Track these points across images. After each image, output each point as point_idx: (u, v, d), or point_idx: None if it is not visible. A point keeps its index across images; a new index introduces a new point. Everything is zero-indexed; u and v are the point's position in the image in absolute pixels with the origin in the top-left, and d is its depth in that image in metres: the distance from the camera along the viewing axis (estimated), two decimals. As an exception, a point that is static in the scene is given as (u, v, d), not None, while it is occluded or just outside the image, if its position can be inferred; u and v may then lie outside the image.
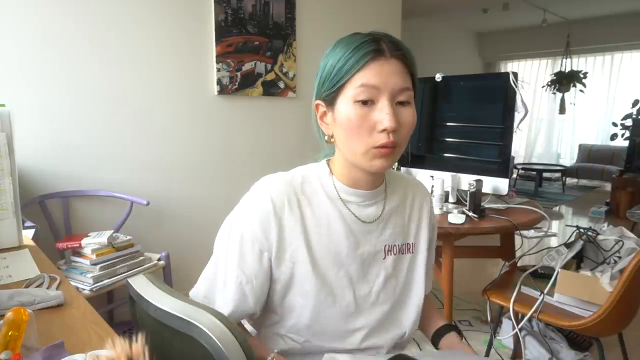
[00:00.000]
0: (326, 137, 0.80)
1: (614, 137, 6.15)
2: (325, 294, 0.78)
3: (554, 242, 3.84)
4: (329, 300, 0.79)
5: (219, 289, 0.80)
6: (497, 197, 1.97)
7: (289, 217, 0.77)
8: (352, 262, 0.81)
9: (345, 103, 0.73)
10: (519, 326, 1.55)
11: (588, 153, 6.87)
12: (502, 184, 1.86)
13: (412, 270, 0.89)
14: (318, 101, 0.78)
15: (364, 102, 0.71)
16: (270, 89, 2.79)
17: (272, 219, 0.76)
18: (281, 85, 2.84)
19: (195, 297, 0.82)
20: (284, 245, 0.77)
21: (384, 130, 0.71)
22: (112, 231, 1.83)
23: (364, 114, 0.72)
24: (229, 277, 0.78)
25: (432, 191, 1.89)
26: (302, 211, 0.78)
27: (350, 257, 0.81)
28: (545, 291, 1.48)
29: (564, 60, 6.51)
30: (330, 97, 0.75)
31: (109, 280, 1.71)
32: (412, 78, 0.75)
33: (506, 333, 2.06)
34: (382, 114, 0.71)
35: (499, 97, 1.91)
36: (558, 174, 6.89)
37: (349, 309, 0.80)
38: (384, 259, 0.84)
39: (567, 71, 6.43)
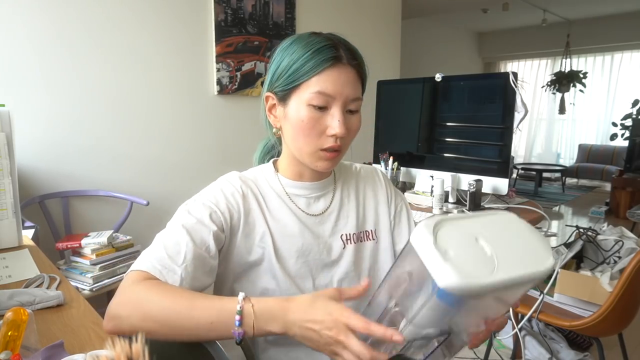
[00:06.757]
0: (274, 130, 0.83)
1: (613, 137, 6.14)
2: (289, 284, 0.79)
3: (553, 242, 3.84)
4: (293, 289, 0.79)
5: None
6: (497, 197, 1.97)
7: (253, 204, 0.80)
8: (309, 254, 0.81)
9: (299, 103, 0.74)
10: (519, 326, 1.55)
11: (588, 153, 6.86)
12: (501, 184, 1.86)
13: (376, 257, 0.88)
14: (269, 94, 0.80)
15: (318, 107, 0.73)
16: (270, 89, 2.79)
17: (240, 199, 0.79)
18: (281, 85, 2.84)
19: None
20: (249, 226, 0.78)
21: (333, 135, 0.74)
22: (112, 231, 1.83)
23: (316, 117, 0.74)
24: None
25: (432, 191, 1.89)
26: (260, 203, 0.81)
27: (307, 249, 0.81)
28: (545, 291, 1.48)
29: (564, 60, 6.50)
30: (283, 94, 0.77)
31: (109, 280, 1.72)
32: (363, 86, 0.78)
33: (506, 333, 2.06)
34: (334, 121, 0.74)
35: (498, 97, 1.91)
36: (558, 174, 6.88)
37: None
38: (343, 248, 0.84)
39: (567, 71, 6.42)
